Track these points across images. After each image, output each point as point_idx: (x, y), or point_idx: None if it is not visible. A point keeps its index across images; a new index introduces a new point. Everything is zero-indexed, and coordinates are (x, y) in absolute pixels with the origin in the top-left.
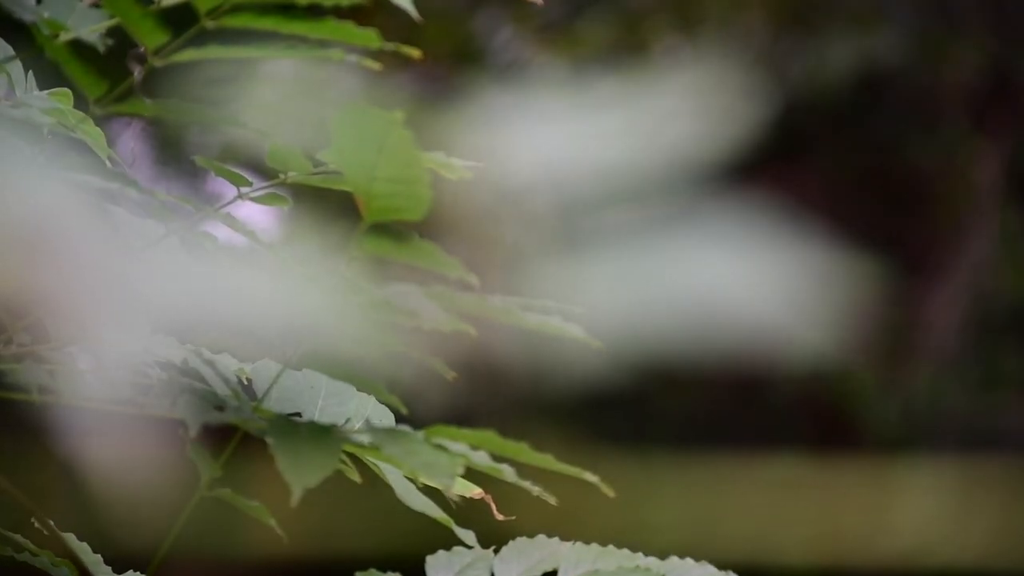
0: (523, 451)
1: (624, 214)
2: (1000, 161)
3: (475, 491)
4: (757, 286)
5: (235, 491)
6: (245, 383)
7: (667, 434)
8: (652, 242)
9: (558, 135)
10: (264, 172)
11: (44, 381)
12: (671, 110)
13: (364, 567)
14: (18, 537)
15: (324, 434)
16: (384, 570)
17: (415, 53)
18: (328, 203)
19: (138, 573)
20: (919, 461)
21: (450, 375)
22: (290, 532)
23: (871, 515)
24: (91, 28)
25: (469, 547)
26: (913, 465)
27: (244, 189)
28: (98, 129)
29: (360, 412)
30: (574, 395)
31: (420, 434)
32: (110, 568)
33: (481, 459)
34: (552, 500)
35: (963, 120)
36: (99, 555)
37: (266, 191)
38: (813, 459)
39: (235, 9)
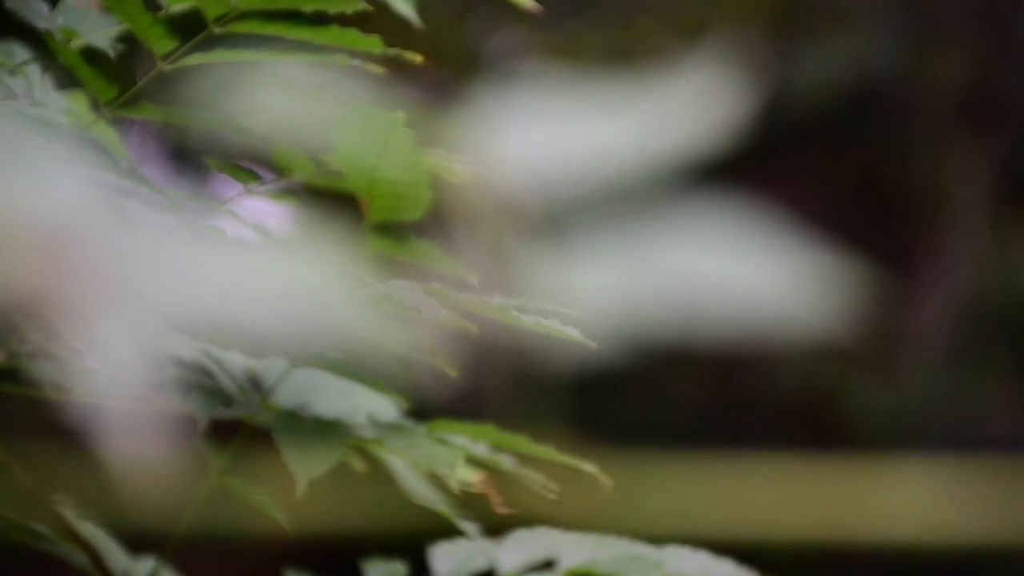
0: (523, 443)
1: (617, 215)
2: (991, 165)
3: (477, 477)
4: (749, 287)
5: (243, 482)
6: (253, 378)
7: (657, 433)
8: (644, 243)
9: (555, 137)
10: (272, 170)
11: (56, 378)
12: (665, 112)
13: (370, 547)
14: (37, 525)
15: (329, 428)
16: (388, 552)
17: (417, 58)
18: (333, 205)
19: (154, 558)
20: (909, 462)
21: (453, 370)
22: (296, 515)
23: (861, 514)
24: (102, 34)
25: (471, 538)
26: (903, 466)
27: (251, 186)
28: (111, 130)
29: (365, 405)
30: (567, 393)
31: (422, 428)
32: (124, 555)
33: (481, 451)
34: (553, 492)
35: (954, 124)
36: (113, 541)
37: (272, 189)
38: (802, 459)
39: (242, 16)
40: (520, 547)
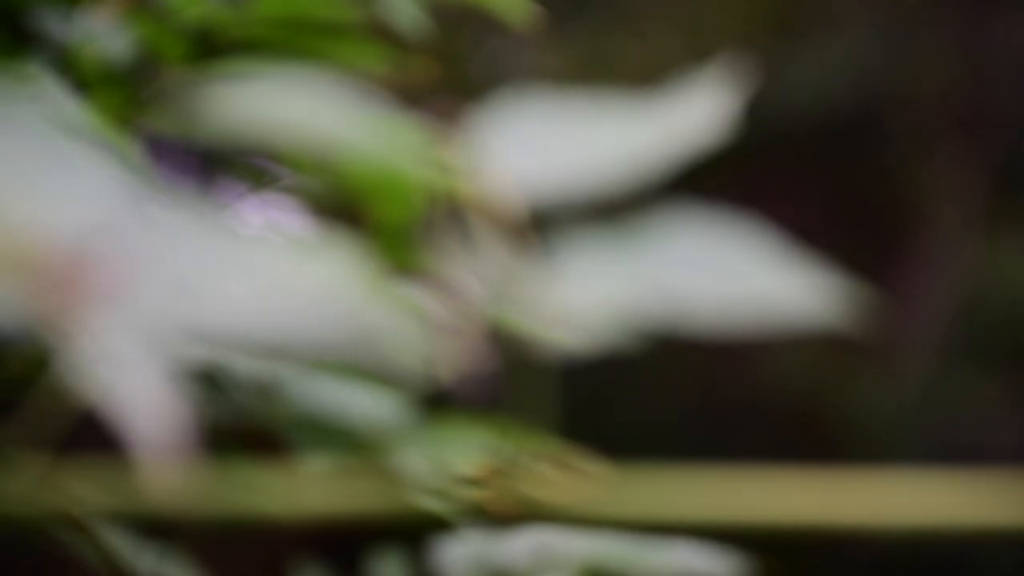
0: (528, 439)
1: (609, 224)
2: (981, 170)
3: (483, 474)
4: (741, 295)
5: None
6: (262, 379)
7: (652, 444)
8: (636, 252)
9: (553, 146)
10: (281, 175)
11: (74, 385)
12: (663, 121)
13: (378, 538)
14: (49, 523)
15: (336, 428)
16: (397, 542)
17: (424, 65)
18: (336, 212)
19: (162, 550)
20: (905, 473)
21: (461, 369)
22: (303, 511)
23: (853, 519)
24: (115, 43)
25: (478, 535)
26: (899, 477)
27: (263, 188)
28: (124, 136)
29: (372, 405)
30: (561, 398)
31: (428, 425)
32: (133, 547)
33: (486, 448)
34: (557, 488)
35: (945, 128)
36: (125, 537)
37: (282, 192)
38: (796, 471)
39: (251, 24)
40: (529, 543)
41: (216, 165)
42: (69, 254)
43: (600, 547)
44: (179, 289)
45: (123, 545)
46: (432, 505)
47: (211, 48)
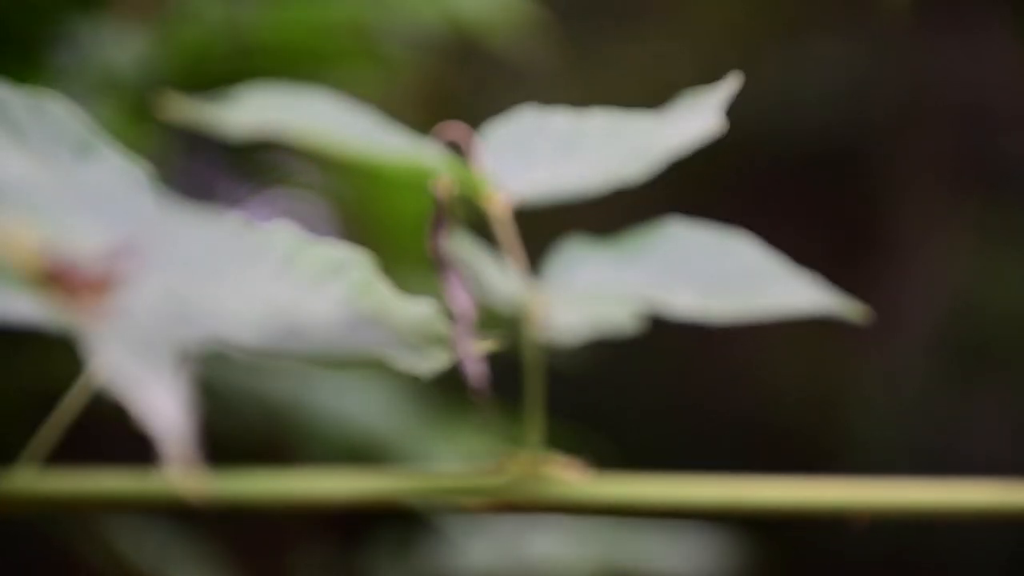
0: (524, 435)
1: (604, 232)
2: (978, 180)
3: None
4: (735, 307)
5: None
6: (277, 388)
7: (648, 446)
8: (628, 260)
9: (552, 157)
10: (285, 178)
11: (96, 387)
12: (660, 132)
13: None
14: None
15: (342, 432)
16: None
17: (420, 77)
18: (339, 217)
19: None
20: (897, 485)
21: (455, 367)
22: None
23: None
24: (128, 51)
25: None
26: (891, 489)
27: (272, 186)
28: (137, 141)
29: (380, 405)
30: (555, 400)
31: (430, 423)
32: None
33: (486, 443)
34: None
35: (937, 142)
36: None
37: (286, 195)
38: (789, 483)
39: (256, 28)
40: (548, 533)
41: (230, 169)
42: (91, 260)
43: (604, 540)
44: (196, 294)
45: (127, 541)
46: (433, 500)
47: (217, 57)
